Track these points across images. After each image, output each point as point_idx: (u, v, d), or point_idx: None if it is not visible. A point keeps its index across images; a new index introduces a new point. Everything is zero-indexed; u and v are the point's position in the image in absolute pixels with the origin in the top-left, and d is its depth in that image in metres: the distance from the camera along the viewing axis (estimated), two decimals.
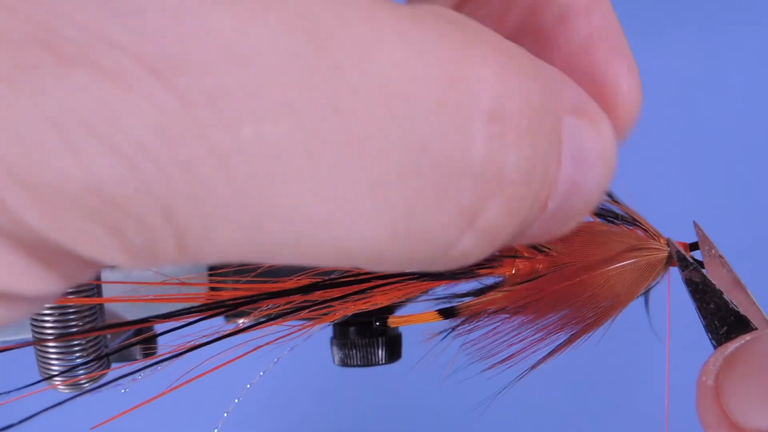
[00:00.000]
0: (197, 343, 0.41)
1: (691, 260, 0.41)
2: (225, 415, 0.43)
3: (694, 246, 0.42)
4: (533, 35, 0.32)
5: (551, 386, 1.02)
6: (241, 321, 0.41)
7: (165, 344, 0.42)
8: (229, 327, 0.41)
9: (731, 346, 0.38)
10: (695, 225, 0.42)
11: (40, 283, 0.21)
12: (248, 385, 0.42)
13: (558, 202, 0.25)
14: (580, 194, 0.26)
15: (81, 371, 0.41)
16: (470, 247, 0.23)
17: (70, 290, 0.41)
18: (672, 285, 0.43)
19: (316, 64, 0.19)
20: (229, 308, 0.41)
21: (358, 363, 0.46)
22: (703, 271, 0.41)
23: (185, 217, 0.19)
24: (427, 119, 0.21)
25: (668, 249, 0.42)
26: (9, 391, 0.38)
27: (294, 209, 0.20)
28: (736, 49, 1.09)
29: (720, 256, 0.42)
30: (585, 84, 0.28)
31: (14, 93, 0.18)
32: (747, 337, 0.38)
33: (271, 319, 0.41)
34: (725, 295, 0.40)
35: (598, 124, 0.26)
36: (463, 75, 0.21)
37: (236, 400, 0.42)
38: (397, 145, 0.20)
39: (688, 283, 0.40)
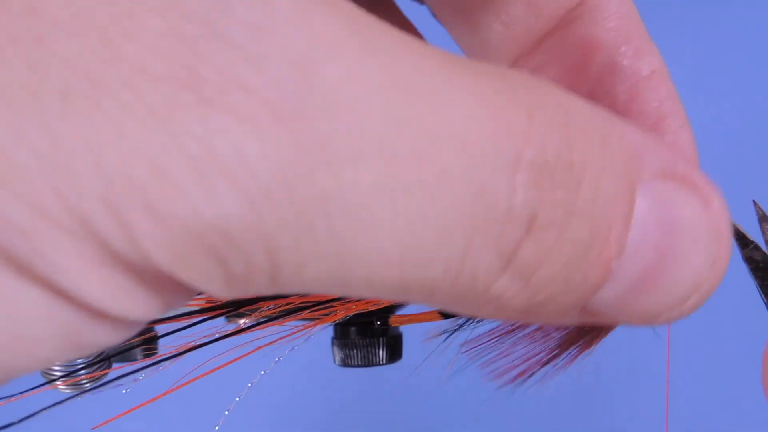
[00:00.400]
0: (198, 343, 0.41)
1: (752, 239, 0.41)
2: (225, 413, 0.43)
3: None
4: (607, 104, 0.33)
5: (552, 385, 1.02)
6: (242, 321, 0.41)
7: (166, 344, 0.42)
8: (230, 327, 0.41)
9: None
10: (755, 203, 0.42)
11: (145, 306, 0.22)
12: (249, 385, 0.42)
13: (635, 268, 0.24)
14: (679, 268, 0.25)
15: (82, 371, 0.41)
16: (506, 287, 0.23)
17: None
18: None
19: (404, 111, 0.21)
20: (231, 309, 0.42)
21: (359, 363, 0.46)
22: (765, 249, 0.41)
23: (285, 253, 0.20)
24: (484, 166, 0.22)
25: None
26: (11, 395, 0.38)
27: (375, 250, 0.21)
28: (741, 49, 1.09)
29: None
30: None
31: (162, 130, 0.19)
32: None
33: (272, 319, 0.41)
34: None
35: (705, 196, 0.25)
36: (515, 128, 0.22)
37: (237, 399, 0.42)
38: (461, 190, 0.21)
39: (749, 261, 0.40)
